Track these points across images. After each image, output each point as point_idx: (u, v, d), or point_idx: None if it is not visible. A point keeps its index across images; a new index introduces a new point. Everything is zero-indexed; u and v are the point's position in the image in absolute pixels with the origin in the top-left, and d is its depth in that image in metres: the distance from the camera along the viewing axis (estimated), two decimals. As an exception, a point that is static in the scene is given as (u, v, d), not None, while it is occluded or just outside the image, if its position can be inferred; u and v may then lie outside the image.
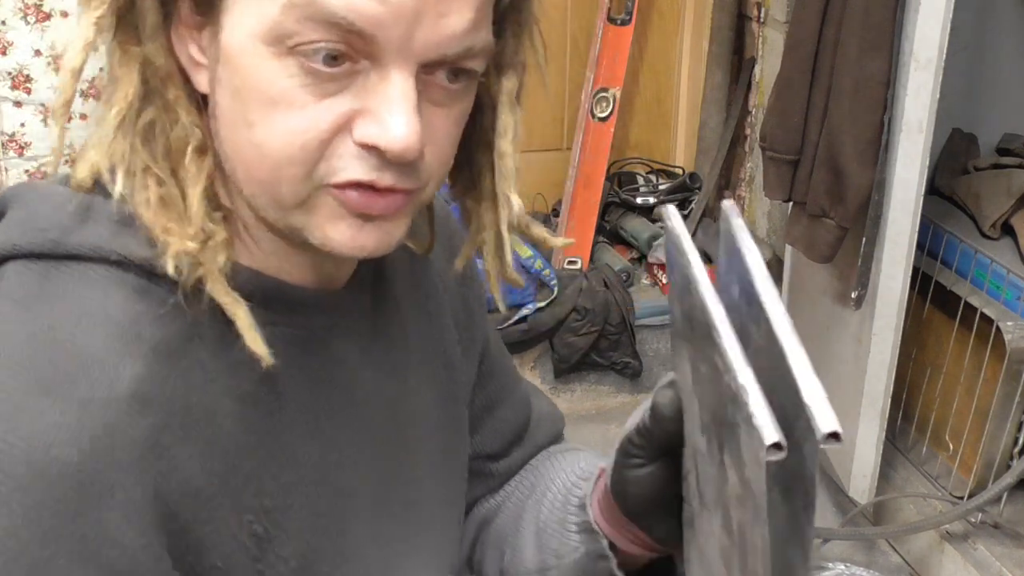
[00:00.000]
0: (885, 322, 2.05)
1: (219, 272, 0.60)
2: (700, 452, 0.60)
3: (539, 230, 0.73)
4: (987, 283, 2.09)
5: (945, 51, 1.84)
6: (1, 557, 0.52)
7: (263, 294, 0.65)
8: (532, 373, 2.70)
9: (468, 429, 0.88)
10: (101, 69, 0.63)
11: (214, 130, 0.62)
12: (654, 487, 0.69)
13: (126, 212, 0.61)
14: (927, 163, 1.92)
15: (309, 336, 0.68)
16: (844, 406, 2.18)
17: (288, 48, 0.57)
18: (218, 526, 0.60)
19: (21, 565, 0.52)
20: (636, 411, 0.69)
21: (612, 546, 0.77)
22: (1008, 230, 2.16)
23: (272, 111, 0.58)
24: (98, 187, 0.62)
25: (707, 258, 2.63)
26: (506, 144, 0.69)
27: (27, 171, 2.44)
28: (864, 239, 1.97)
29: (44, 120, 2.43)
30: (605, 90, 2.80)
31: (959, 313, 2.14)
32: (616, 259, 2.86)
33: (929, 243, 2.18)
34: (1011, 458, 2.12)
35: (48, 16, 2.38)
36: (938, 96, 1.86)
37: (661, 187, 3.05)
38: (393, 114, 0.58)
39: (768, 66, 2.79)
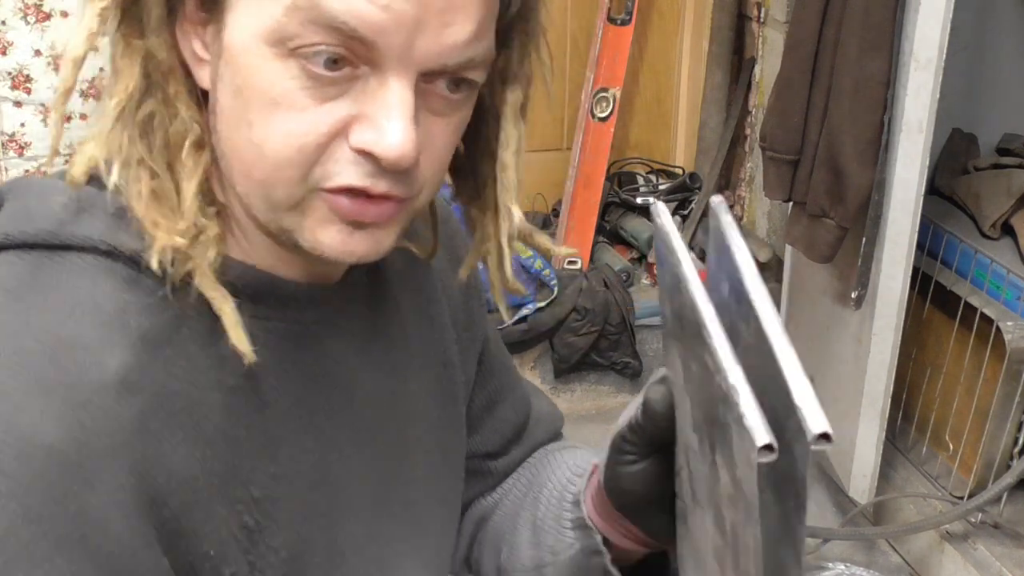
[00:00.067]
0: (885, 322, 2.05)
1: (208, 267, 0.61)
2: (692, 450, 0.60)
3: (542, 239, 0.73)
4: (987, 283, 2.09)
5: (945, 51, 1.84)
6: None
7: (255, 289, 0.65)
8: (532, 373, 2.70)
9: (466, 428, 0.88)
10: (101, 69, 0.64)
11: (213, 126, 0.63)
12: (647, 483, 0.69)
13: (121, 204, 0.62)
14: (927, 163, 1.92)
15: (302, 331, 0.69)
16: (844, 406, 2.18)
17: (290, 50, 0.57)
18: (208, 515, 0.60)
19: (9, 546, 0.52)
20: (629, 407, 0.70)
21: (606, 542, 0.77)
22: (1008, 230, 2.16)
23: (272, 112, 0.59)
24: (95, 181, 0.63)
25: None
26: (509, 156, 0.69)
27: (27, 171, 2.44)
28: (864, 239, 1.97)
29: (44, 120, 2.43)
30: (605, 90, 2.80)
31: (959, 313, 2.14)
32: (616, 259, 2.86)
33: (929, 243, 2.18)
34: (1011, 458, 2.12)
35: (48, 16, 2.38)
36: (938, 96, 1.86)
37: (661, 187, 3.05)
38: (390, 121, 0.58)
39: (768, 66, 2.79)
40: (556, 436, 0.97)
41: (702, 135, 3.04)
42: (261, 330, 0.64)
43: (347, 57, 0.58)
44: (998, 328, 2.02)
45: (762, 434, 0.46)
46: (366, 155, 0.59)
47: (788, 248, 2.30)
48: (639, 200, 2.98)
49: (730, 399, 0.48)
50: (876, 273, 2.01)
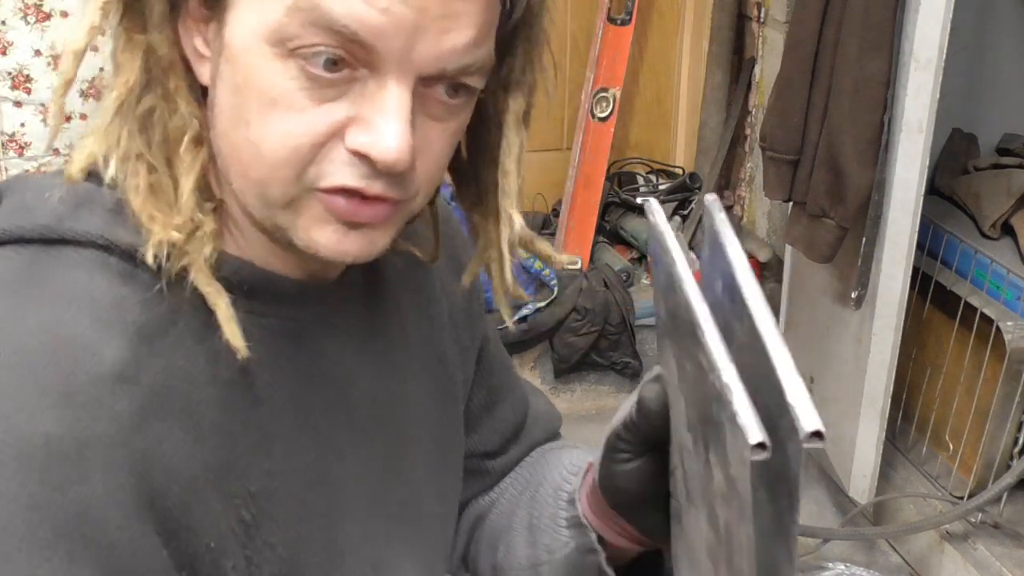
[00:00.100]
0: (885, 322, 2.05)
1: (204, 262, 0.61)
2: (686, 449, 0.60)
3: (543, 246, 0.74)
4: (987, 283, 2.09)
5: (945, 51, 1.84)
6: None
7: (250, 285, 0.65)
8: (532, 373, 2.70)
9: (464, 428, 0.88)
10: (101, 69, 0.64)
11: (212, 123, 0.63)
12: (641, 481, 0.69)
13: (119, 200, 0.62)
14: (927, 163, 1.92)
15: (297, 329, 0.69)
16: (844, 406, 2.18)
17: (289, 50, 0.58)
18: (206, 508, 0.60)
19: (9, 536, 0.52)
20: (623, 405, 0.70)
21: (601, 540, 0.77)
22: (1008, 230, 2.16)
23: (270, 111, 0.59)
24: (94, 177, 0.63)
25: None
26: (510, 162, 0.69)
27: (27, 171, 2.45)
28: (864, 239, 1.97)
29: (44, 120, 2.43)
30: (605, 90, 2.80)
31: (959, 313, 2.14)
32: (616, 259, 2.86)
33: (929, 243, 2.18)
34: (1011, 458, 2.12)
35: (48, 16, 2.38)
36: (938, 96, 1.86)
37: (661, 187, 3.05)
38: (387, 124, 0.58)
39: (768, 66, 2.79)
40: (554, 436, 0.97)
41: (702, 135, 3.04)
42: (256, 326, 0.64)
43: (346, 59, 0.58)
44: (998, 328, 2.02)
45: (755, 432, 0.46)
46: (362, 157, 0.59)
47: (788, 248, 2.30)
48: (639, 200, 2.98)
49: (723, 398, 0.48)
50: (876, 273, 2.01)
